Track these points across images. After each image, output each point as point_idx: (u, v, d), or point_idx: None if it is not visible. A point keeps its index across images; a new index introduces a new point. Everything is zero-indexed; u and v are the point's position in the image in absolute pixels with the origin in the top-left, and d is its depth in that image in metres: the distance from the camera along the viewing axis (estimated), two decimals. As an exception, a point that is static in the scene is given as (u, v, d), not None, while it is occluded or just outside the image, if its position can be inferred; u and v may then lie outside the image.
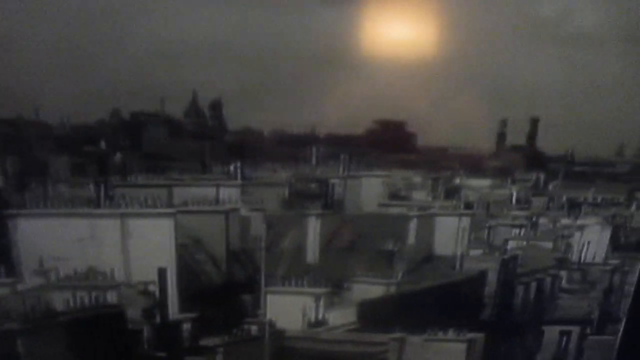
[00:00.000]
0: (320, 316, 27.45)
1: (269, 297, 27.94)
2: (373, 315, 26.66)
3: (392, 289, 28.60)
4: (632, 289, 35.88)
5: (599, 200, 50.07)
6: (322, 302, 27.59)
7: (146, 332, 25.05)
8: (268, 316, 26.78)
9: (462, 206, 34.75)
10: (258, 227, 31.43)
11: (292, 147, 42.61)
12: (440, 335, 24.42)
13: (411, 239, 31.39)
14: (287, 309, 27.31)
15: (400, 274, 29.58)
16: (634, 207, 49.04)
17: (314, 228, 32.62)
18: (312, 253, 32.30)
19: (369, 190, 36.09)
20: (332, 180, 37.07)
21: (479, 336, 24.25)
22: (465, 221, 32.88)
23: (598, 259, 39.13)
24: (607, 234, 40.61)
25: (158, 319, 25.78)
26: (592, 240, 39.42)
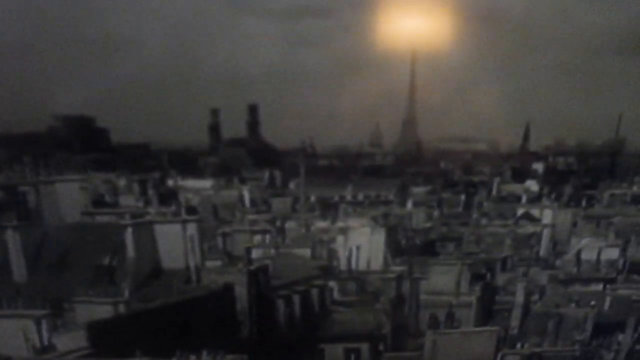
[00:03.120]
0: (45, 341, 25.68)
1: (-20, 322, 25.73)
2: (107, 338, 25.34)
3: (122, 308, 27.32)
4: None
5: (360, 198, 48.14)
6: (44, 326, 25.81)
7: None
8: (-15, 343, 24.72)
9: (183, 211, 33.37)
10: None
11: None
12: (193, 359, 23.70)
13: (130, 251, 29.96)
14: (5, 334, 25.32)
15: (127, 291, 28.33)
16: (410, 205, 46.87)
17: (13, 242, 30.59)
18: (18, 271, 30.38)
19: (67, 196, 34.20)
20: (21, 188, 35.00)
21: (241, 358, 23.86)
22: (192, 228, 30.79)
23: (375, 266, 37.06)
24: (380, 236, 38.32)
25: None
26: (361, 245, 37.10)
